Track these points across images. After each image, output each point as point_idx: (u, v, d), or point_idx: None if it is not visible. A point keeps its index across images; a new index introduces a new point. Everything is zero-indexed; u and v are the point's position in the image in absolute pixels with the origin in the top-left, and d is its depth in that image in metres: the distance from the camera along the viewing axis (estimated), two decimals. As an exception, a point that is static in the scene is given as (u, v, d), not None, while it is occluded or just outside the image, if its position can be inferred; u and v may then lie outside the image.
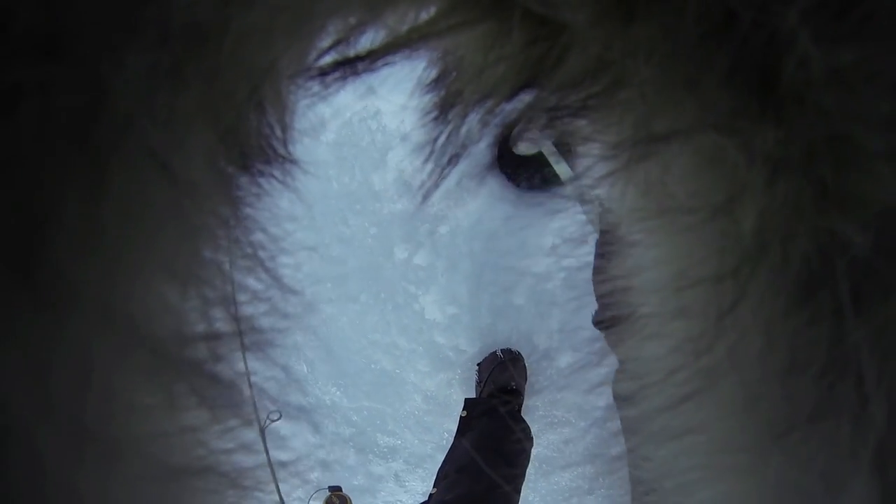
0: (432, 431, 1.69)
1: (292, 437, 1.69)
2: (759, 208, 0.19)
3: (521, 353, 1.59)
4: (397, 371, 1.66)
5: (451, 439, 1.38)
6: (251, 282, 0.24)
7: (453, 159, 0.23)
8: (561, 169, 1.12)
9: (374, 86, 1.38)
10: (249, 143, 0.22)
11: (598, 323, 0.82)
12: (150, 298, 0.20)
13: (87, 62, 0.16)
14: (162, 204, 0.19)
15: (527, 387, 1.59)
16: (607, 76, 0.21)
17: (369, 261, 1.54)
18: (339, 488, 0.87)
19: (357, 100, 1.42)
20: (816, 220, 0.19)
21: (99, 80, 0.16)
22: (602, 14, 0.21)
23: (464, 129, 0.23)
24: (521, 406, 1.54)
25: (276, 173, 0.23)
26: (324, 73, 0.22)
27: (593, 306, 0.83)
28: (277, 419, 0.56)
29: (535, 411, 1.65)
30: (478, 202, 1.45)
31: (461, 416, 1.39)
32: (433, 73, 0.23)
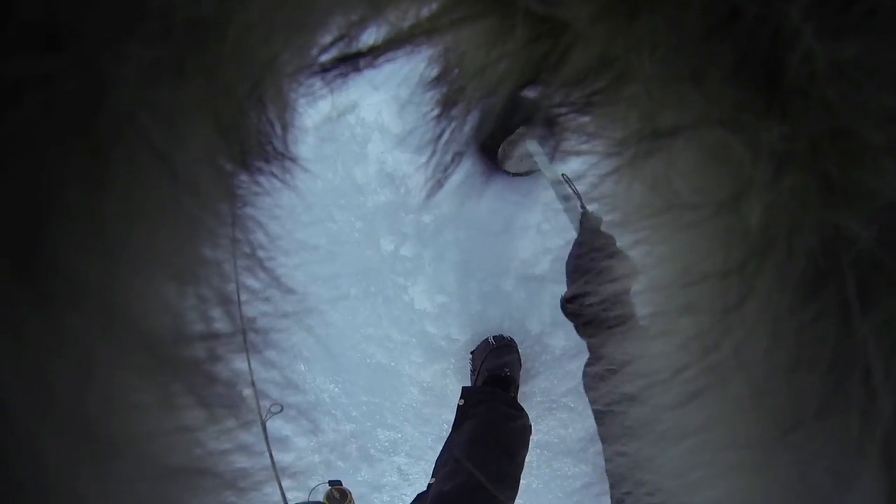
0: (431, 423, 1.67)
1: (293, 437, 1.68)
2: (764, 203, 0.19)
3: (514, 338, 1.58)
4: (392, 364, 1.65)
5: (450, 430, 1.36)
6: (250, 281, 0.24)
7: (456, 157, 0.23)
8: (548, 170, 1.11)
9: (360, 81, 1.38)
10: (249, 141, 0.22)
11: (568, 309, 0.82)
12: (150, 296, 0.20)
13: (89, 55, 0.16)
14: (162, 199, 0.19)
15: (522, 373, 1.58)
16: (611, 72, 0.21)
17: (357, 255, 1.53)
18: (339, 482, 0.87)
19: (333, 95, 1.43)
20: (822, 214, 0.19)
21: (100, 73, 0.16)
22: (605, 10, 0.20)
23: (466, 128, 0.23)
24: (517, 392, 1.53)
25: (276, 171, 0.23)
26: (325, 69, 0.22)
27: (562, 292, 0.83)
28: (279, 411, 0.56)
29: (533, 397, 1.63)
30: (461, 189, 1.43)
31: (458, 405, 1.37)
32: (435, 70, 0.23)
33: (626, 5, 0.20)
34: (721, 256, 0.20)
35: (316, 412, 1.64)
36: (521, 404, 1.44)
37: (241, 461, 0.23)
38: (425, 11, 0.22)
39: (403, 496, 1.71)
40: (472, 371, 1.57)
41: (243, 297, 0.23)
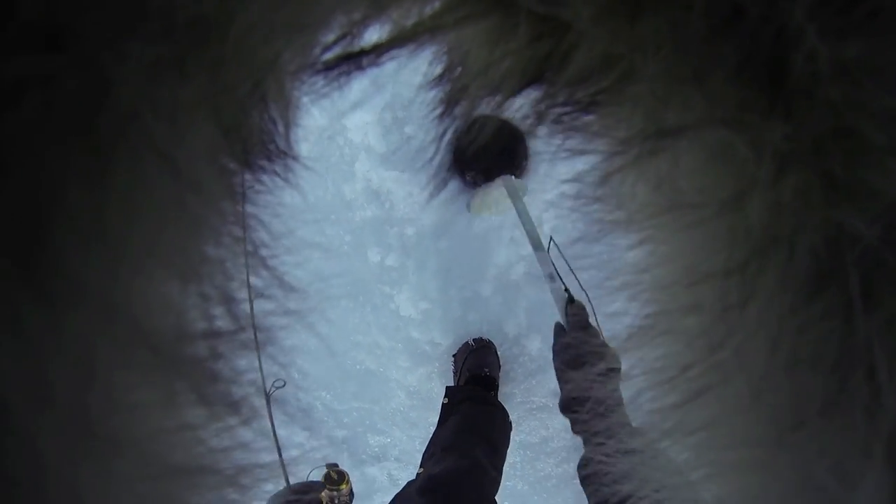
0: (418, 426, 1.74)
1: (288, 444, 1.71)
2: (768, 203, 0.19)
3: (493, 341, 1.68)
4: (381, 370, 1.73)
5: (436, 427, 1.45)
6: (251, 279, 0.24)
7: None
8: (531, 230, 1.03)
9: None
10: (252, 139, 0.22)
11: (565, 409, 0.85)
12: (151, 295, 0.19)
13: (90, 55, 0.16)
14: (164, 198, 0.19)
15: (501, 374, 1.67)
16: (615, 71, 0.21)
17: (347, 266, 1.63)
18: (336, 465, 0.93)
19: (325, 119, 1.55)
20: (825, 213, 0.19)
21: (101, 73, 0.16)
22: (607, 11, 0.20)
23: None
24: (497, 390, 1.62)
25: (278, 169, 0.23)
26: (328, 67, 0.22)
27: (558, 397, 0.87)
28: (282, 386, 0.58)
29: (513, 398, 1.71)
30: (439, 203, 1.54)
31: (443, 404, 1.46)
32: (438, 68, 0.23)
33: (628, 6, 0.20)
34: (725, 255, 0.20)
35: (310, 419, 1.71)
36: (502, 402, 1.52)
37: (243, 458, 0.23)
38: (428, 10, 0.22)
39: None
40: (455, 372, 1.66)
41: (244, 295, 0.23)
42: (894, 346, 0.17)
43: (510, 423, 1.45)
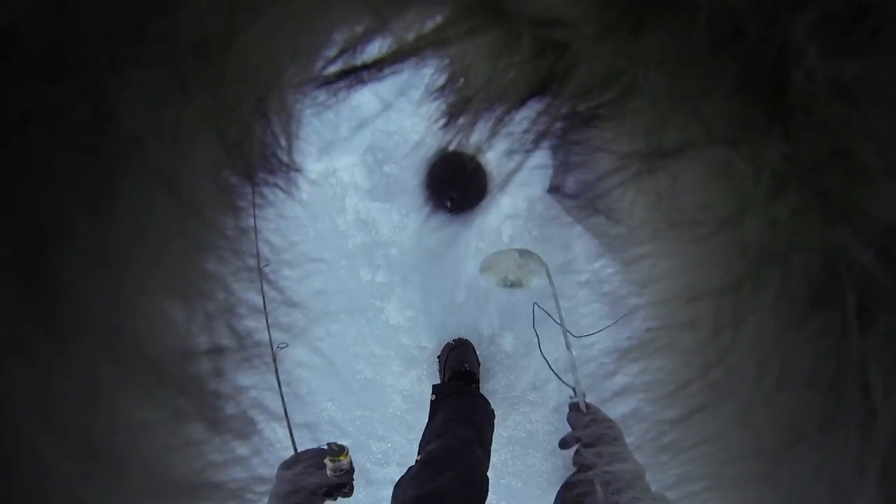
0: (415, 429, 1.86)
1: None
2: (766, 221, 0.19)
3: (470, 340, 1.95)
4: (377, 377, 1.98)
5: (427, 421, 1.66)
6: (250, 294, 0.23)
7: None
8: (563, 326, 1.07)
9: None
10: (254, 153, 0.21)
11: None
12: (154, 315, 0.19)
13: (92, 83, 0.16)
14: (167, 223, 0.18)
15: (482, 371, 1.92)
16: (618, 86, 0.21)
17: (343, 286, 1.93)
18: (335, 441, 1.08)
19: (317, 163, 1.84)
20: (822, 233, 0.19)
21: (104, 100, 0.16)
22: (608, 28, 0.20)
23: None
24: (478, 384, 1.87)
25: (281, 182, 0.23)
26: (330, 81, 0.22)
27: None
28: (285, 346, 0.63)
29: (495, 395, 1.93)
30: (416, 225, 1.86)
31: (431, 400, 1.68)
32: (441, 81, 0.23)
33: (629, 23, 0.20)
34: (723, 272, 0.20)
35: (318, 430, 1.88)
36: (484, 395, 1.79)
37: (245, 474, 0.23)
38: (430, 24, 0.22)
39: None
40: (440, 371, 1.91)
41: (244, 311, 0.23)
42: (889, 366, 0.18)
43: (492, 410, 1.66)
